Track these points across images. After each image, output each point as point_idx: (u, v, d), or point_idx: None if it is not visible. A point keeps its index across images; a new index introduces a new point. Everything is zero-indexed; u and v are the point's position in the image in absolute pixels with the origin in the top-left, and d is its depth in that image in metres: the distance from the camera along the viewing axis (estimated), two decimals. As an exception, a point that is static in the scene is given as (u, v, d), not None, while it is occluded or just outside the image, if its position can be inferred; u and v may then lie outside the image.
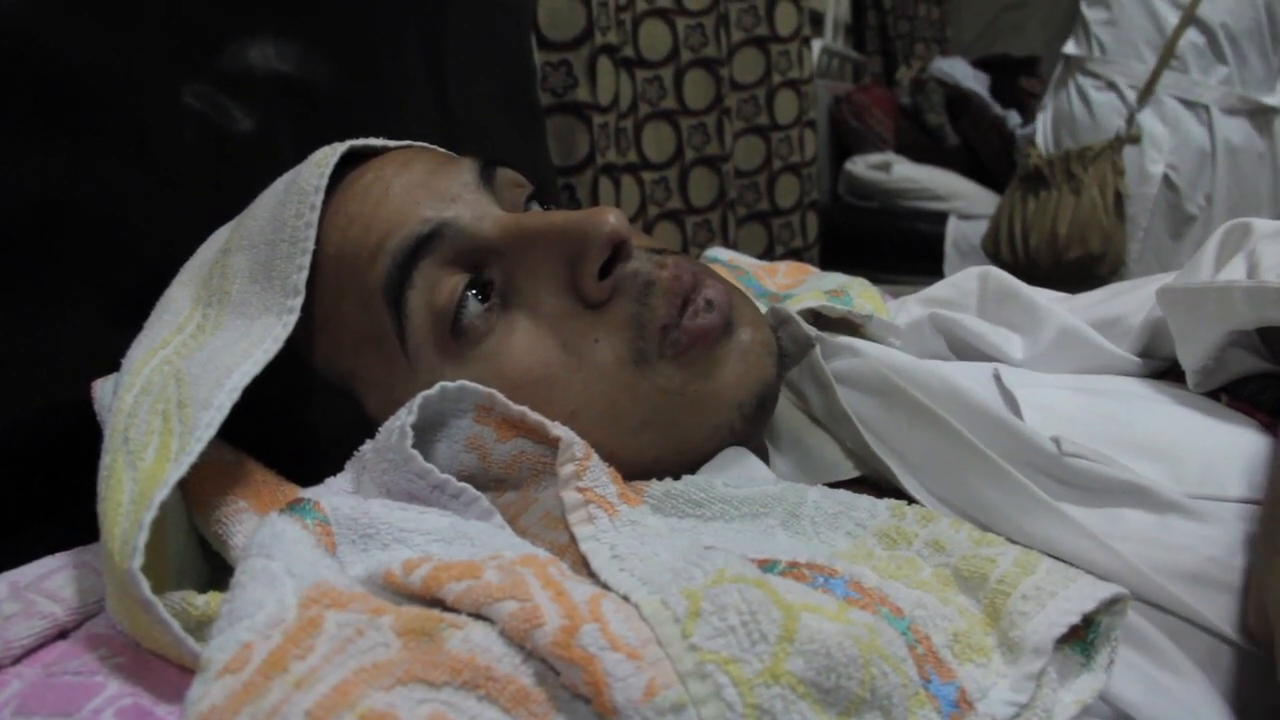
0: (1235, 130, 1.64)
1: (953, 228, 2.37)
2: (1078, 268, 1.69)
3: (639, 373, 0.42)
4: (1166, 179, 1.65)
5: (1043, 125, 1.79)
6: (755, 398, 0.44)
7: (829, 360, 0.50)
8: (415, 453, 0.37)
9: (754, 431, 0.45)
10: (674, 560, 0.33)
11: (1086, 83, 1.71)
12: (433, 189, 0.44)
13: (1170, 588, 0.36)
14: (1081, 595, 0.32)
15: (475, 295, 0.42)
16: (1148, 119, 1.64)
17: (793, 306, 0.54)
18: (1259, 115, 1.65)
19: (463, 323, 0.42)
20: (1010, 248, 1.81)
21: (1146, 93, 1.63)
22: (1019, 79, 2.74)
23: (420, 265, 0.42)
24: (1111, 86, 1.68)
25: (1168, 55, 1.61)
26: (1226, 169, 1.65)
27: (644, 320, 0.42)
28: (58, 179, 0.51)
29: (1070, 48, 1.73)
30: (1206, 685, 0.35)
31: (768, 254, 1.86)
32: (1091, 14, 1.69)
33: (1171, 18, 1.61)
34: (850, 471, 0.47)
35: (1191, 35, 1.61)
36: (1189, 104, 1.63)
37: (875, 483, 0.46)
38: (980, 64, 2.88)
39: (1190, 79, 1.62)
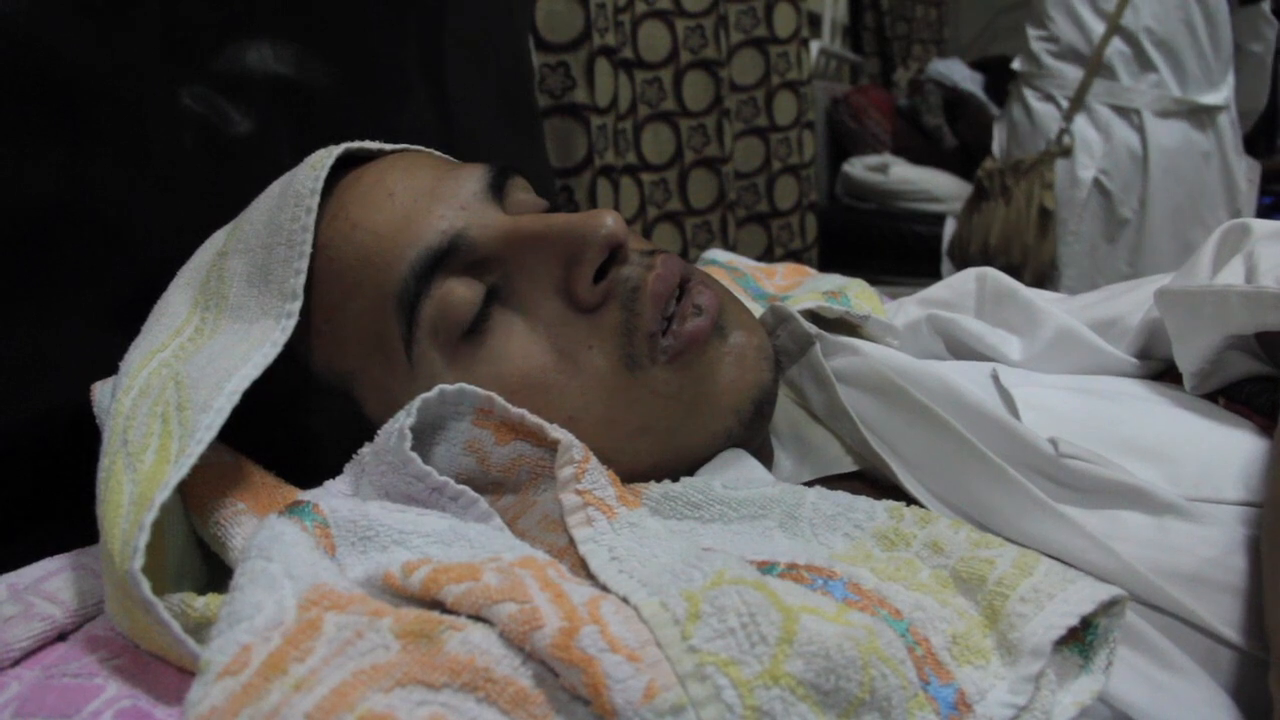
0: (1169, 133, 1.66)
1: (950, 229, 2.37)
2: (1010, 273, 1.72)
3: (633, 379, 0.42)
4: (1098, 184, 1.69)
5: (998, 138, 1.84)
6: (753, 403, 0.44)
7: (829, 358, 0.50)
8: (414, 455, 0.37)
9: (753, 435, 0.45)
10: (673, 562, 0.33)
11: (1029, 94, 1.75)
12: (441, 197, 0.44)
13: (1168, 589, 0.36)
14: (1080, 597, 0.32)
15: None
16: (1080, 126, 1.68)
17: (791, 307, 0.54)
18: (1198, 114, 1.67)
19: (480, 328, 0.42)
20: (960, 255, 1.87)
21: (1077, 102, 1.67)
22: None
23: (435, 277, 0.42)
24: (1049, 98, 1.72)
25: (1095, 65, 1.64)
26: (1161, 172, 1.67)
27: (632, 327, 0.42)
28: (56, 181, 0.51)
29: (1017, 63, 1.77)
30: (1207, 683, 0.35)
31: (767, 255, 1.86)
32: (1032, 31, 1.74)
33: (1098, 28, 1.64)
34: (850, 465, 0.47)
35: (1118, 44, 1.64)
36: (1120, 110, 1.66)
37: (874, 479, 0.46)
38: (978, 65, 2.88)
39: (1121, 85, 1.65)
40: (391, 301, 0.42)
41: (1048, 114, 1.71)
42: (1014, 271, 1.70)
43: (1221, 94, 1.67)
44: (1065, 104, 1.69)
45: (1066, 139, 1.67)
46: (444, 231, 0.43)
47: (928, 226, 2.41)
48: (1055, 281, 1.74)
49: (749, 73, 1.76)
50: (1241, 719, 0.34)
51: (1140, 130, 1.65)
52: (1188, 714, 0.34)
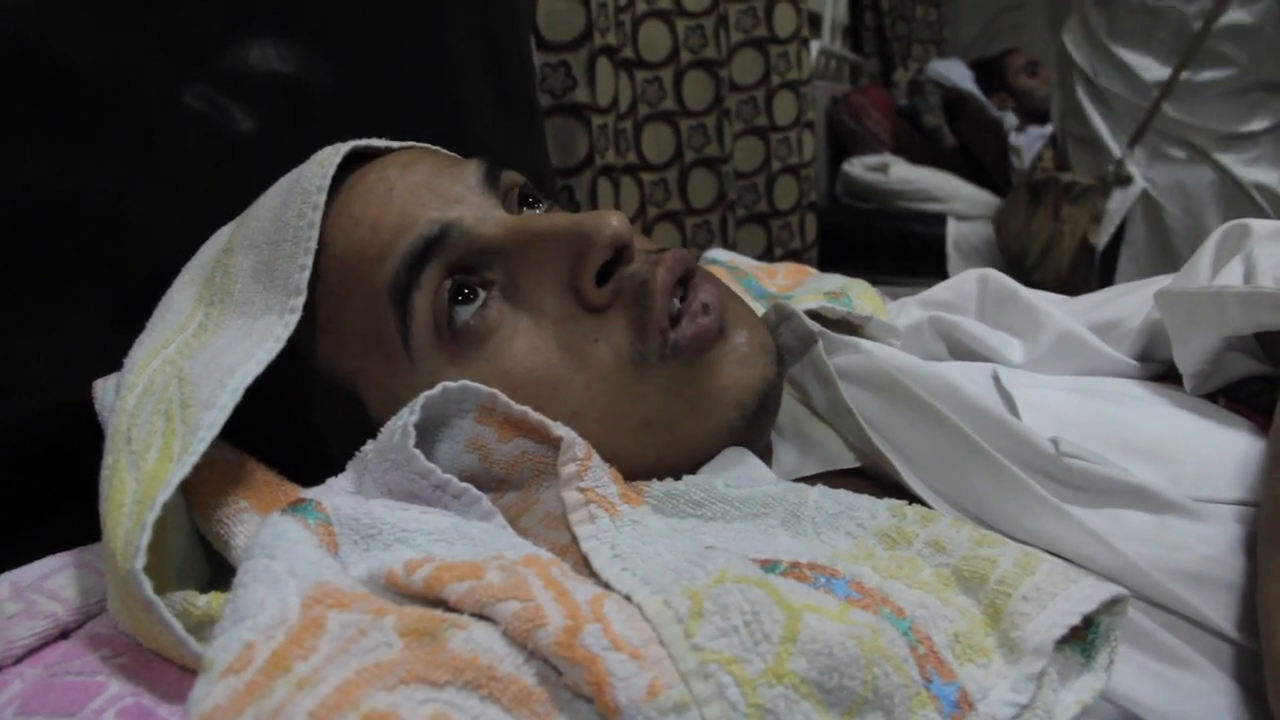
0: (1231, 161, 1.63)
1: (953, 230, 2.37)
2: (1034, 282, 1.70)
3: (639, 375, 0.42)
4: (1151, 205, 1.66)
5: (1056, 134, 1.80)
6: (757, 398, 0.44)
7: (831, 356, 0.50)
8: (417, 452, 0.37)
9: (756, 432, 0.45)
10: (676, 560, 0.33)
11: (1094, 110, 1.71)
12: (438, 190, 0.44)
13: (1171, 586, 0.36)
14: (1082, 596, 0.32)
15: (465, 296, 0.42)
16: (1140, 158, 1.65)
17: (794, 305, 0.55)
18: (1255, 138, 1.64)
19: (456, 324, 0.42)
20: (1005, 242, 1.86)
21: (1138, 135, 1.64)
22: (1007, 74, 2.74)
23: (427, 267, 0.42)
24: (1111, 119, 1.68)
25: (1158, 102, 1.61)
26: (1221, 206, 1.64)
27: (643, 323, 0.42)
28: (59, 180, 0.51)
29: (1094, 75, 1.72)
30: (1214, 674, 0.35)
31: (766, 255, 1.86)
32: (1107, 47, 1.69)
33: (1161, 70, 1.61)
34: (852, 461, 0.47)
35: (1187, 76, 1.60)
36: (1180, 140, 1.63)
37: (876, 477, 0.46)
38: (977, 65, 2.88)
39: (1181, 119, 1.62)
40: (384, 294, 0.42)
41: (1108, 138, 1.68)
42: (1044, 285, 1.68)
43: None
44: (1124, 134, 1.66)
45: (1126, 168, 1.65)
46: (434, 220, 0.43)
47: (928, 226, 2.41)
48: None
49: (749, 72, 1.76)
50: (1247, 710, 0.35)
51: (1205, 156, 1.63)
52: (1194, 706, 0.34)
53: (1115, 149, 1.67)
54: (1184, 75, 1.58)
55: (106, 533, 0.37)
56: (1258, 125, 1.60)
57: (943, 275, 1.98)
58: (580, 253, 0.42)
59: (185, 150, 0.58)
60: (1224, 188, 1.64)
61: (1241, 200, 1.63)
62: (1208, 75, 1.58)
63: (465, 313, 0.42)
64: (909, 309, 0.66)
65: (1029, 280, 1.72)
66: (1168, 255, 1.66)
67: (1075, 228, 1.68)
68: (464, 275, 0.43)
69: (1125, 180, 1.65)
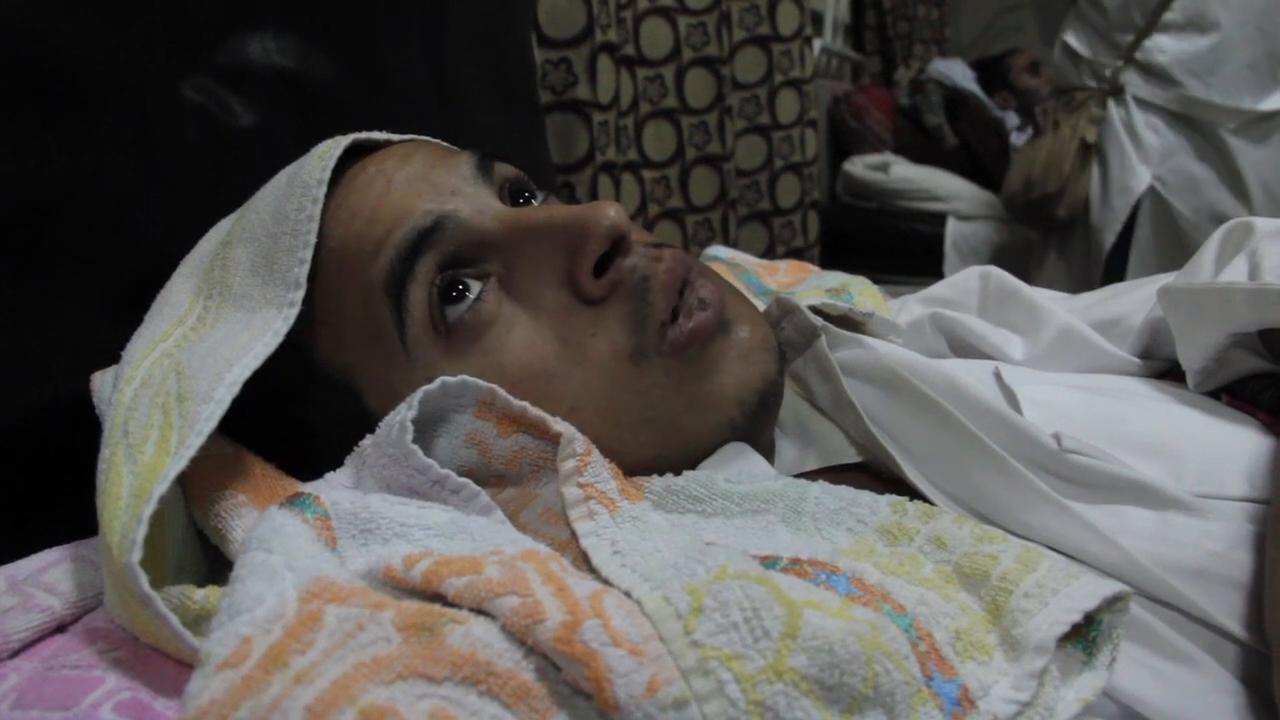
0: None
1: (952, 229, 2.37)
2: (1038, 206, 1.78)
3: (637, 369, 0.42)
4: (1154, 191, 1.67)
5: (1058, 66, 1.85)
6: (758, 395, 0.44)
7: (833, 351, 0.50)
8: (415, 448, 0.37)
9: (758, 428, 0.45)
10: (675, 556, 0.33)
11: (1069, 52, 1.77)
12: (433, 182, 0.44)
13: (1173, 583, 0.36)
14: (1084, 593, 0.32)
15: (460, 292, 0.42)
16: (1153, 151, 1.66)
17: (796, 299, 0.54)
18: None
19: (448, 319, 0.42)
20: (1007, 191, 1.92)
21: (1131, 50, 1.66)
22: (1009, 73, 2.74)
23: (422, 259, 0.42)
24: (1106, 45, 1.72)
25: (1152, 23, 1.62)
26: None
27: (643, 317, 0.42)
28: (59, 173, 0.51)
29: (1080, 48, 1.76)
30: (1216, 670, 0.35)
31: (768, 253, 1.86)
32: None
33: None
34: (854, 456, 0.47)
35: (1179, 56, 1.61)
36: (1199, 130, 1.64)
37: (878, 472, 0.46)
38: (978, 65, 2.88)
39: (1208, 98, 1.62)
40: (379, 286, 0.42)
41: (1099, 62, 1.73)
42: (1048, 200, 1.74)
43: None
44: (1114, 53, 1.69)
45: (1116, 80, 1.68)
46: (429, 212, 0.43)
47: (929, 225, 2.41)
48: (1087, 225, 1.74)
49: (751, 70, 1.76)
50: (1249, 708, 0.34)
51: (1218, 147, 1.64)
52: (1196, 703, 0.34)
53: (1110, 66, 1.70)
54: (1201, 43, 1.60)
55: (103, 526, 0.37)
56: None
57: (943, 275, 1.99)
58: (577, 244, 0.41)
59: (185, 143, 0.58)
60: (1235, 182, 1.65)
61: (1248, 193, 1.64)
62: (1218, 39, 1.60)
63: (460, 307, 0.42)
64: (910, 306, 0.65)
65: (1031, 206, 1.78)
66: (1178, 255, 1.66)
67: (1074, 131, 1.73)
68: (460, 268, 0.43)
69: (1119, 90, 1.68)
